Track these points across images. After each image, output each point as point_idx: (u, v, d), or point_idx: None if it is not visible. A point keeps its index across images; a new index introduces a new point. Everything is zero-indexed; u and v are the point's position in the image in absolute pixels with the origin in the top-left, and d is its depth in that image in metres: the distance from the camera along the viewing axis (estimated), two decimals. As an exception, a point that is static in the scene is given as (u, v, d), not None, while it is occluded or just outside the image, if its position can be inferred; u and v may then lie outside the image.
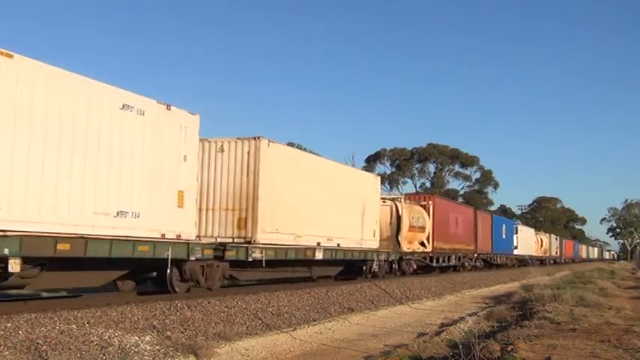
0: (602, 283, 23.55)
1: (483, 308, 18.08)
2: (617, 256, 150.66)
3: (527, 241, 53.95)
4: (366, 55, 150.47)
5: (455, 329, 12.28)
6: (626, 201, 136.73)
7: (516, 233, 49.17)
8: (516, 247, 48.64)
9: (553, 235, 74.05)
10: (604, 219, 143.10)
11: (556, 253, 72.42)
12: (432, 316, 16.57)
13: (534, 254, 57.78)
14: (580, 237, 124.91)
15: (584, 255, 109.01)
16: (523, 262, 51.52)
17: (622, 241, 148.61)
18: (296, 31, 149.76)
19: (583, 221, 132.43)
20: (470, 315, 15.77)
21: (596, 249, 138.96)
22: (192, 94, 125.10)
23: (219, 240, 15.22)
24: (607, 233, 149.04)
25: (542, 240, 63.57)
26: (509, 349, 8.40)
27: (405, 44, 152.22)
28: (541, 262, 60.80)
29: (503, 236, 44.50)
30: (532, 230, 62.19)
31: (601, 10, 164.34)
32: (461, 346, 7.80)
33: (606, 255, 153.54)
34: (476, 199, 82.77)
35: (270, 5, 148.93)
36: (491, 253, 40.95)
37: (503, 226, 45.86)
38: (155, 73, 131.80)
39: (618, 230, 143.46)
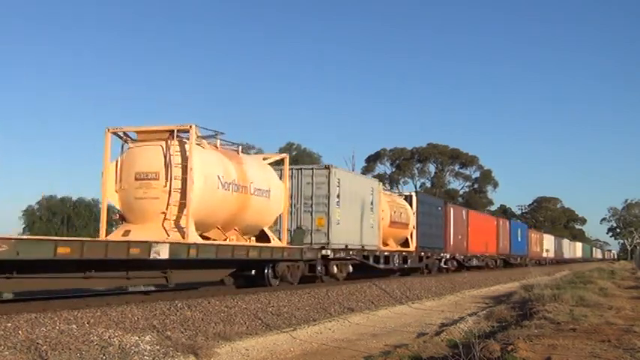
0: (602, 283, 23.58)
1: (483, 308, 18.08)
2: (618, 255, 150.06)
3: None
4: (366, 55, 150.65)
5: (455, 329, 12.26)
6: (626, 201, 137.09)
7: None
8: None
9: (412, 196, 28.54)
10: (604, 219, 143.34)
11: (450, 244, 32.22)
12: (432, 316, 16.57)
13: None
14: (580, 237, 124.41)
15: (549, 253, 64.18)
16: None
17: (622, 241, 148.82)
18: (296, 31, 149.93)
19: (583, 221, 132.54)
20: (470, 315, 15.76)
21: (579, 244, 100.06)
22: (192, 95, 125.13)
23: None
24: (607, 233, 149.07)
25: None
26: (509, 349, 8.40)
27: (404, 44, 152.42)
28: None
29: None
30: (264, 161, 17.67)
31: (601, 9, 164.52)
32: (461, 346, 7.80)
33: (599, 254, 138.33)
34: (475, 199, 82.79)
35: (269, 4, 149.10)
36: None
37: None
38: (150, 73, 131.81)
39: (618, 230, 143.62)
